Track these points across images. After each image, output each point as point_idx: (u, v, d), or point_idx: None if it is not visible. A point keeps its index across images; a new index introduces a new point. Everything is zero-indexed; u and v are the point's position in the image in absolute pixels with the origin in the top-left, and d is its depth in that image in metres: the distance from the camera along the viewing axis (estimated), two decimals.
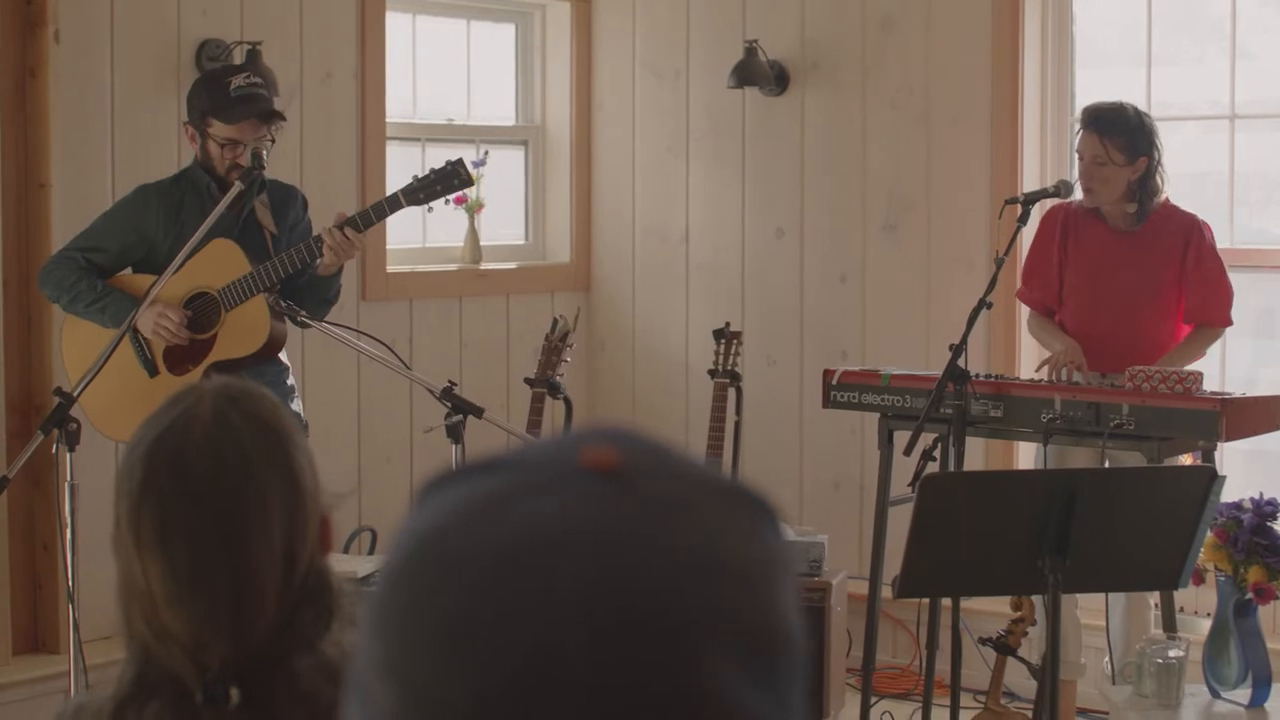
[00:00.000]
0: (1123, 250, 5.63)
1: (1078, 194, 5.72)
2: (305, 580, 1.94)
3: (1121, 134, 5.52)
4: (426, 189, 5.11)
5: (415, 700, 0.87)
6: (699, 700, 0.85)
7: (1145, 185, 5.57)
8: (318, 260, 5.11)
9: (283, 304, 5.02)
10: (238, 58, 6.23)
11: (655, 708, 0.84)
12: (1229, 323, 5.64)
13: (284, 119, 5.23)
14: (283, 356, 5.36)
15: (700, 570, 0.88)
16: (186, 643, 1.89)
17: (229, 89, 5.17)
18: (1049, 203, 5.91)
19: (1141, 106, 5.85)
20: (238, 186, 4.99)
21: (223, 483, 1.91)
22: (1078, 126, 5.67)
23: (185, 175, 5.31)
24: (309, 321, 4.99)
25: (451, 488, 0.93)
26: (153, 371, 5.21)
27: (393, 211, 5.14)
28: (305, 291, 5.19)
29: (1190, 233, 5.60)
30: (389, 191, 5.35)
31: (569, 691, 0.84)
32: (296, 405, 5.42)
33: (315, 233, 5.18)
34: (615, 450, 0.91)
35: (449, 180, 5.12)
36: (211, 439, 1.93)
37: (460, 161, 5.16)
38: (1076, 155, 5.65)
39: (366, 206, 5.31)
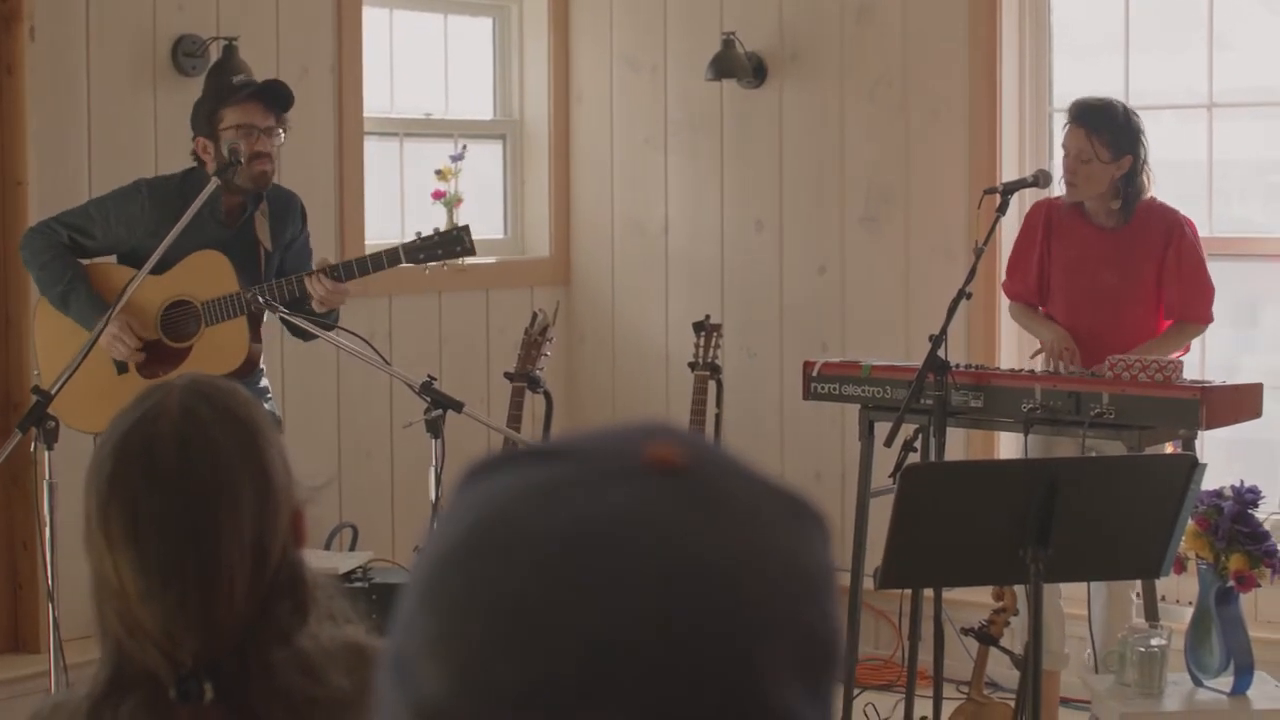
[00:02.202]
0: (1105, 248, 5.63)
1: (1057, 186, 5.72)
2: (278, 573, 1.94)
3: (1108, 131, 5.51)
4: (428, 250, 5.15)
5: (466, 680, 0.86)
6: (757, 708, 0.85)
7: (1130, 183, 5.56)
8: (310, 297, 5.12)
9: (261, 299, 5.00)
10: (214, 53, 6.21)
11: (713, 711, 0.84)
12: (1209, 320, 5.63)
13: (291, 97, 5.21)
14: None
15: (766, 577, 0.88)
16: (159, 638, 1.88)
17: (232, 80, 5.33)
18: (1028, 193, 5.90)
19: (1124, 98, 5.85)
20: (214, 182, 4.97)
21: (190, 473, 1.91)
22: (1064, 120, 5.65)
23: (191, 178, 5.24)
24: (287, 315, 4.98)
25: (506, 472, 0.92)
26: (122, 369, 5.20)
27: (390, 266, 5.15)
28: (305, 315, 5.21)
29: (1172, 229, 5.60)
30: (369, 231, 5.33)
31: (629, 687, 0.83)
32: (270, 406, 5.40)
33: (311, 264, 5.19)
34: (679, 448, 0.90)
35: (451, 246, 5.16)
36: (179, 431, 1.92)
37: (466, 229, 5.20)
38: (1061, 149, 5.63)
39: (365, 255, 5.30)
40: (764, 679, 0.85)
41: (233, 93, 5.19)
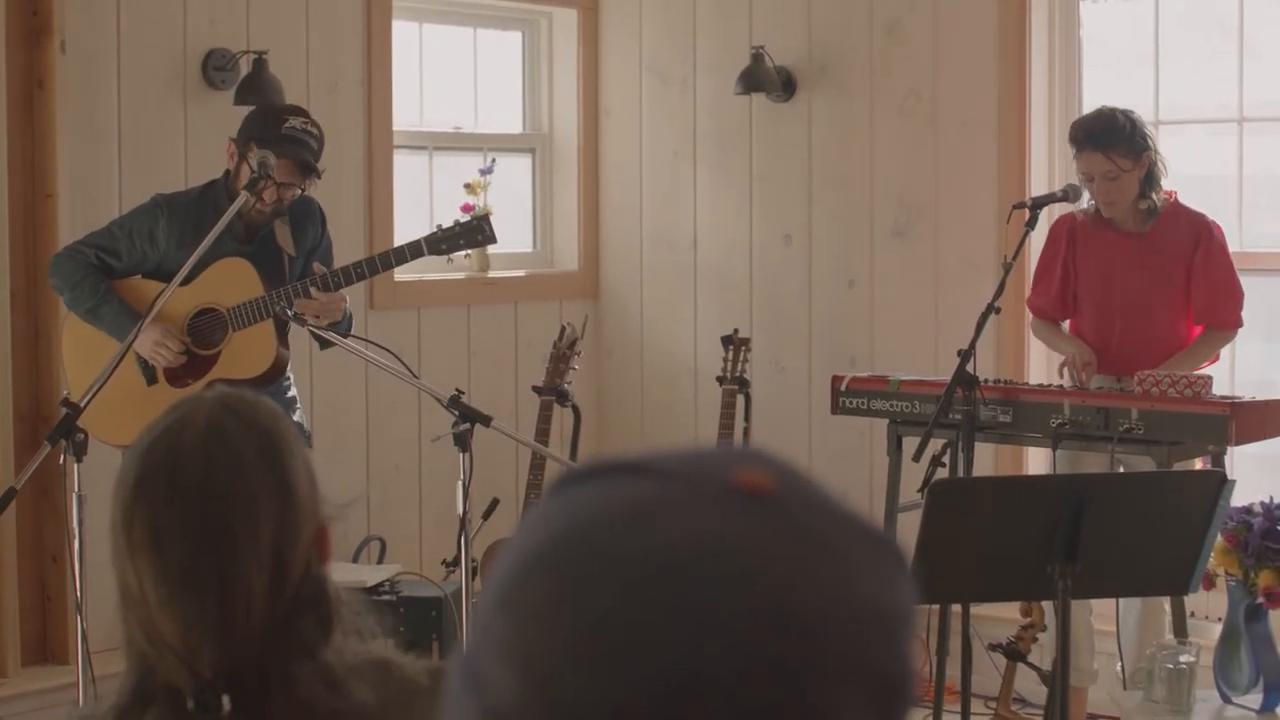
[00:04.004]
0: (1133, 252, 5.63)
1: (1085, 199, 5.72)
2: (300, 588, 1.94)
3: (1122, 143, 5.52)
4: (449, 240, 5.14)
5: (543, 692, 0.85)
6: None
7: (1151, 180, 5.58)
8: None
9: (289, 312, 5.02)
10: (244, 68, 6.23)
11: None
12: (1239, 324, 5.63)
13: (319, 176, 5.21)
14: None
15: (850, 611, 0.88)
16: (178, 648, 1.90)
17: (282, 125, 5.16)
18: (1057, 208, 5.90)
19: (1154, 113, 5.85)
20: (243, 196, 4.99)
21: (212, 483, 1.92)
22: (1072, 148, 5.64)
23: (210, 191, 5.27)
24: (317, 330, 4.99)
25: (594, 485, 0.92)
26: (151, 380, 5.22)
27: (413, 258, 5.15)
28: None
29: (1200, 232, 5.60)
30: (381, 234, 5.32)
31: (706, 710, 0.84)
32: (299, 417, 5.41)
33: (334, 266, 5.20)
34: (769, 475, 0.91)
35: (473, 235, 5.15)
36: (205, 441, 1.94)
37: (486, 218, 5.19)
38: (1082, 176, 5.62)
39: (388, 250, 5.30)
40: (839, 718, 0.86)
41: (277, 145, 5.12)
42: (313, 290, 5.05)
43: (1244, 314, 5.63)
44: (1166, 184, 5.66)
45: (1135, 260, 5.63)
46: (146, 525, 1.92)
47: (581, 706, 0.84)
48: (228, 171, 5.26)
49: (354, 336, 5.19)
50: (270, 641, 1.91)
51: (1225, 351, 5.83)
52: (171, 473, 1.93)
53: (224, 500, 1.92)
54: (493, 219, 5.28)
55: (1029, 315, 6.06)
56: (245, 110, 5.56)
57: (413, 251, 5.13)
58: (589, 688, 0.84)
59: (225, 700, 1.88)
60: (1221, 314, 5.60)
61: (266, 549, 1.92)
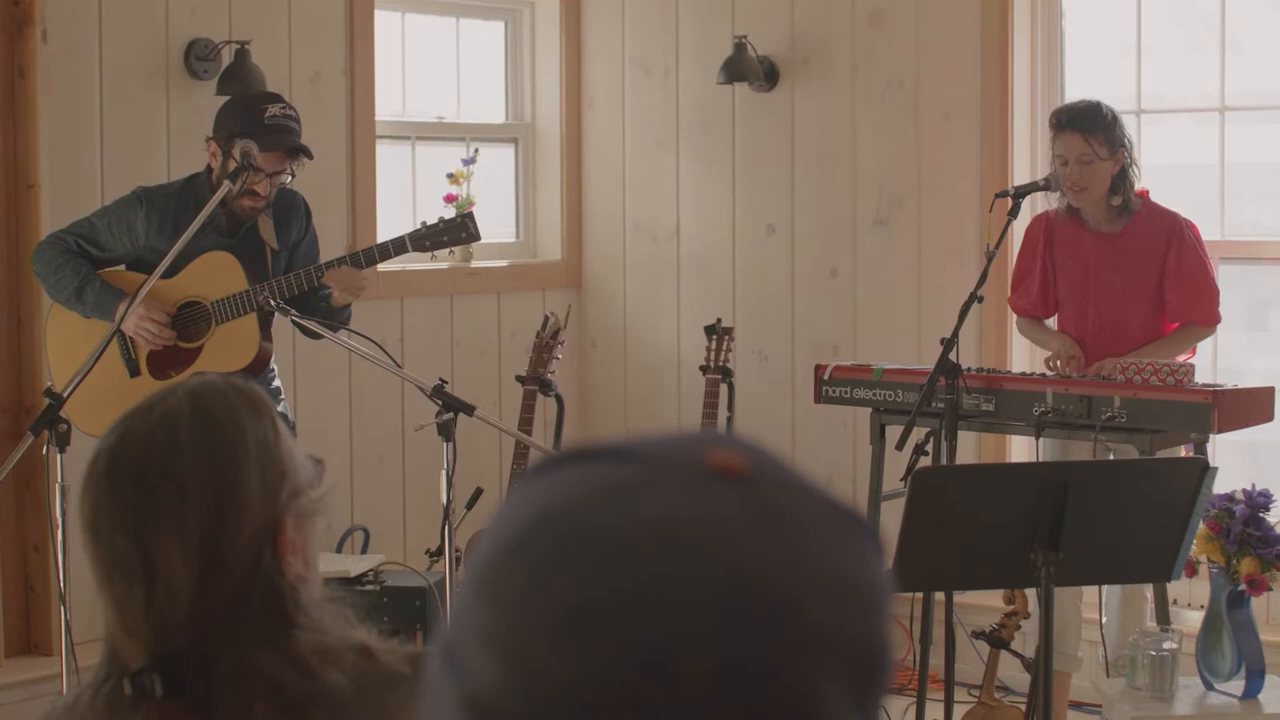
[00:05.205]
0: (1107, 252, 5.64)
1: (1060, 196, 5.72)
2: (247, 581, 1.93)
3: (1101, 130, 5.54)
4: (433, 237, 5.16)
5: (522, 673, 0.86)
6: (806, 714, 0.86)
7: (1124, 177, 5.59)
8: (324, 291, 5.12)
9: (272, 303, 5.01)
10: (226, 57, 6.22)
11: (764, 715, 0.85)
12: (1215, 320, 5.63)
13: (310, 156, 5.21)
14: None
15: (824, 586, 0.89)
16: (114, 631, 1.93)
17: (263, 116, 5.14)
18: (1038, 199, 5.91)
19: (1136, 103, 5.85)
20: (226, 185, 4.97)
21: (147, 474, 1.93)
22: (1051, 132, 5.65)
23: (192, 185, 5.25)
24: (300, 320, 4.98)
25: (570, 469, 0.92)
26: (134, 371, 5.21)
27: (397, 254, 5.17)
28: (317, 317, 5.18)
29: (1172, 232, 5.61)
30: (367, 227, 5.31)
31: (685, 686, 0.84)
32: (283, 408, 5.40)
33: (320, 261, 5.20)
34: (743, 456, 0.92)
35: (457, 233, 5.17)
36: (151, 430, 1.95)
37: (470, 216, 5.21)
38: (1057, 160, 5.61)
39: (372, 245, 5.31)
40: (815, 699, 0.86)
41: (263, 136, 5.10)
42: (343, 267, 5.09)
43: (1225, 304, 5.63)
44: (1145, 178, 5.67)
45: (1109, 261, 5.63)
46: (88, 510, 1.95)
47: (561, 689, 0.85)
48: (210, 166, 5.25)
49: (336, 325, 5.18)
50: (217, 632, 1.91)
51: (1206, 339, 5.84)
52: (112, 460, 1.95)
53: (154, 488, 1.92)
54: (475, 210, 5.28)
55: (1012, 315, 6.08)
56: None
57: (396, 248, 5.15)
58: (569, 670, 0.85)
59: (158, 686, 1.89)
60: (1197, 312, 5.61)
61: (195, 541, 1.91)
